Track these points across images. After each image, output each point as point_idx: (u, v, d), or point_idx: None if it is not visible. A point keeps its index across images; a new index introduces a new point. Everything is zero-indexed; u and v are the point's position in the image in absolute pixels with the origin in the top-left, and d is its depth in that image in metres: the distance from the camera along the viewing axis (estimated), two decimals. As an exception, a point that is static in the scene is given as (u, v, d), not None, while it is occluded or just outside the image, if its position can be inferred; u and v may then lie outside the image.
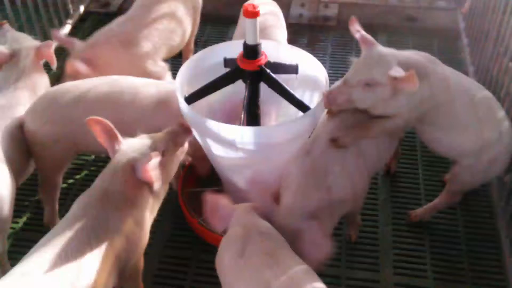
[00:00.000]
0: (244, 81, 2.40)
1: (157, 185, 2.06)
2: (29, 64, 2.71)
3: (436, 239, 2.75)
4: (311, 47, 4.03)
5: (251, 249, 1.88)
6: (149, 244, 2.68)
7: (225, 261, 1.96)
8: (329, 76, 2.46)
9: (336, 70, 3.83)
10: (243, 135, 2.23)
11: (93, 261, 1.85)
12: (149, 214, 2.13)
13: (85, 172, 3.11)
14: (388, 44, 4.04)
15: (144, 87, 2.55)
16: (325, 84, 2.41)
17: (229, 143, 2.27)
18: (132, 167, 2.02)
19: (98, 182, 2.06)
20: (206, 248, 2.70)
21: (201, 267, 2.65)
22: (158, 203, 2.20)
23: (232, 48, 2.54)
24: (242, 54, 2.37)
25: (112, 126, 2.08)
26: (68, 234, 1.86)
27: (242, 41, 2.35)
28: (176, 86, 2.37)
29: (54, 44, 2.84)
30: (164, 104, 2.50)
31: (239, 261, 1.89)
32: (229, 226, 2.08)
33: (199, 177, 2.91)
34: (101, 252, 1.88)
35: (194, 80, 2.52)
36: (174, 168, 2.23)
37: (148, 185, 2.05)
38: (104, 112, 2.21)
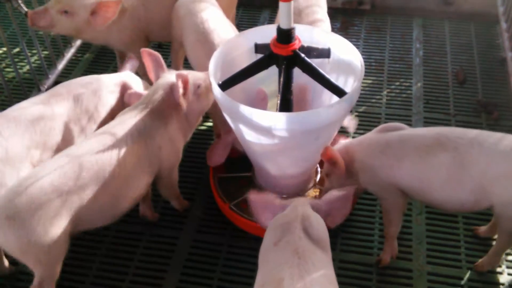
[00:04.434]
0: (278, 66, 2.37)
1: (184, 107, 2.46)
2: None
3: (471, 228, 2.70)
4: (344, 31, 3.97)
5: (286, 241, 1.83)
6: (181, 229, 2.73)
7: (265, 241, 1.93)
8: (362, 60, 2.41)
9: (369, 54, 3.76)
10: (277, 121, 2.21)
11: (126, 151, 2.27)
12: (182, 136, 2.53)
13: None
14: (424, 28, 3.98)
15: None
16: (361, 69, 2.36)
17: (263, 129, 2.24)
18: (171, 87, 2.44)
19: (141, 100, 2.48)
20: (237, 234, 2.70)
21: (232, 252, 2.65)
22: (191, 129, 2.62)
23: (265, 33, 2.51)
24: (275, 38, 2.33)
25: (160, 57, 2.55)
26: (108, 134, 2.30)
27: (274, 26, 2.32)
28: (210, 72, 2.35)
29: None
30: None
31: (271, 248, 1.86)
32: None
33: (230, 162, 2.91)
34: (134, 148, 2.30)
35: (227, 66, 2.51)
36: (206, 103, 2.61)
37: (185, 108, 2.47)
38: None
